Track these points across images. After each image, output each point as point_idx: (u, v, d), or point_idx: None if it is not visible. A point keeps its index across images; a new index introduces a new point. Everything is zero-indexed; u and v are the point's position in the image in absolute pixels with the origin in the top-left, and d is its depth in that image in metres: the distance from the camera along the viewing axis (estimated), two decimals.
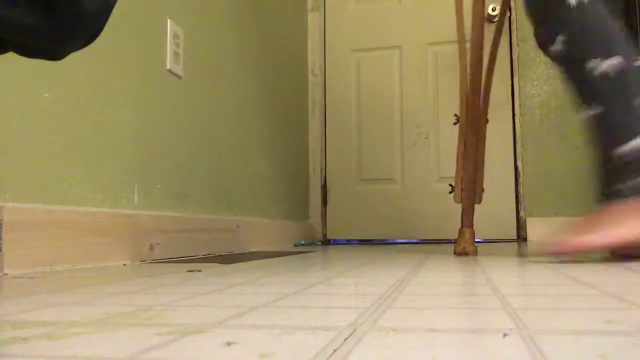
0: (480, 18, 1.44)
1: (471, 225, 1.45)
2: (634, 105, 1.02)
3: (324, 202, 2.95)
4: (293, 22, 2.76)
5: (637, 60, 1.03)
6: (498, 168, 2.78)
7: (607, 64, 1.04)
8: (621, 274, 0.83)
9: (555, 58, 1.12)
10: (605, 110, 1.04)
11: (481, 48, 1.45)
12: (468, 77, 1.45)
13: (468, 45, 1.49)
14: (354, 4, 3.02)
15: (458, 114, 1.37)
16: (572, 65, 1.08)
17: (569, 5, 1.06)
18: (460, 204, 1.49)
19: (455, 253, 1.45)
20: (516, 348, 0.34)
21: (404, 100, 2.90)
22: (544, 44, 1.14)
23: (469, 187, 1.42)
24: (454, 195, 1.46)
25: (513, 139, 2.79)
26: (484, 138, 1.43)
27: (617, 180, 1.03)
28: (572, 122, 2.76)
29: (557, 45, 1.09)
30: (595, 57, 1.04)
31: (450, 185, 1.46)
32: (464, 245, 1.43)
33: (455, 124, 1.44)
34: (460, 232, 1.45)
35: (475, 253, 1.43)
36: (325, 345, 0.36)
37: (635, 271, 0.87)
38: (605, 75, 1.04)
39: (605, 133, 1.05)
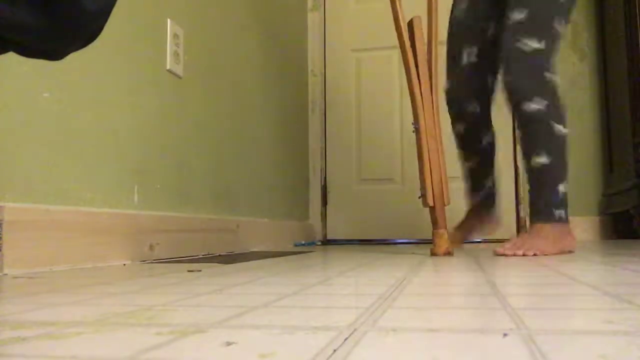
0: (419, 29, 1.54)
1: (446, 227, 1.49)
2: (567, 161, 1.53)
3: (324, 202, 2.95)
4: (293, 22, 2.76)
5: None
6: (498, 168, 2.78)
7: (565, 131, 1.50)
8: (621, 274, 0.83)
9: (531, 113, 1.49)
10: (553, 160, 1.48)
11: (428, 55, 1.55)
12: (419, 85, 1.52)
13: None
14: (354, 4, 3.02)
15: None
16: (545, 123, 1.48)
17: (548, 80, 1.49)
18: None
19: (434, 254, 1.47)
20: (516, 348, 0.34)
21: (404, 100, 2.89)
22: (521, 98, 1.50)
23: (439, 190, 1.49)
24: (423, 200, 1.50)
25: (513, 139, 2.78)
26: (441, 142, 1.52)
27: (556, 207, 1.49)
28: (572, 122, 2.76)
29: (536, 105, 1.48)
30: (560, 123, 1.49)
31: (422, 193, 1.50)
32: (446, 247, 1.46)
33: (413, 131, 1.51)
34: (438, 234, 1.47)
35: (452, 253, 1.48)
36: (325, 345, 0.36)
37: (635, 271, 0.87)
38: (563, 137, 1.49)
39: (552, 174, 1.49)
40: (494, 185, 1.84)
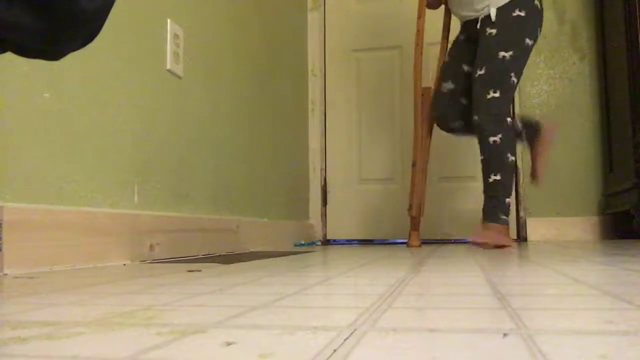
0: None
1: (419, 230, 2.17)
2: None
3: (324, 202, 2.95)
4: (293, 22, 2.76)
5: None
6: None
7: (512, 159, 1.93)
8: (621, 274, 0.83)
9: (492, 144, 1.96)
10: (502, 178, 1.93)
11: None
12: (421, 129, 2.19)
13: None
14: (354, 4, 3.02)
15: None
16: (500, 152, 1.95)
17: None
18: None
19: (411, 246, 1.98)
20: (516, 348, 0.34)
21: (404, 100, 2.90)
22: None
23: (419, 206, 2.19)
24: (410, 212, 2.22)
25: None
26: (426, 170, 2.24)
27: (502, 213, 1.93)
28: (572, 122, 2.76)
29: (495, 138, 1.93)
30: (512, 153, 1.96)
31: (410, 206, 1.92)
32: (419, 242, 2.11)
33: (413, 165, 2.04)
34: (415, 234, 2.10)
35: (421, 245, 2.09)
36: (325, 345, 0.36)
37: (635, 271, 0.87)
38: (511, 163, 1.92)
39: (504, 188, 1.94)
40: None
